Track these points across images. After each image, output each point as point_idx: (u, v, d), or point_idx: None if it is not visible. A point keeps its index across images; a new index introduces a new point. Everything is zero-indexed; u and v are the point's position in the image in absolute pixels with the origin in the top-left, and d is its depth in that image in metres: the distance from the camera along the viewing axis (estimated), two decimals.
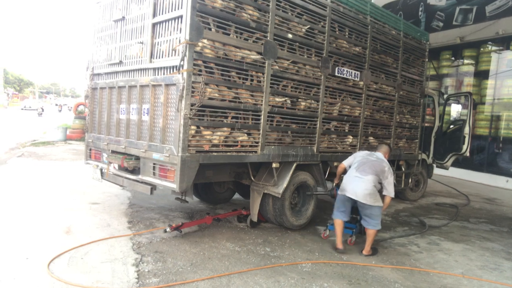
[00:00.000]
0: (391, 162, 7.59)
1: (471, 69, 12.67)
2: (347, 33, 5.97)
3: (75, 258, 3.99)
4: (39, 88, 74.10)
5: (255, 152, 4.85)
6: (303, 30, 5.24)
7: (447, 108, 10.12)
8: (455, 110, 12.66)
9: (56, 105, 49.19)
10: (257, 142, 4.85)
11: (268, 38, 4.78)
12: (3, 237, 4.43)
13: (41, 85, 78.46)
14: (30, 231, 4.70)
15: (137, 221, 5.35)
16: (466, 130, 8.34)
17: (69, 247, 4.20)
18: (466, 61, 12.87)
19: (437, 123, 8.80)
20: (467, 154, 8.53)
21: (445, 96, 10.05)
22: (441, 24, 12.93)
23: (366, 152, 5.13)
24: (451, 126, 9.23)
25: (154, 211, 5.93)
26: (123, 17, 5.07)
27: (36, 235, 4.58)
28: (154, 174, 4.54)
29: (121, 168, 5.04)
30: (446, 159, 8.75)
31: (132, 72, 4.96)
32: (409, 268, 4.43)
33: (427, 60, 8.02)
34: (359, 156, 5.05)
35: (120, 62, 5.13)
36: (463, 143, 8.37)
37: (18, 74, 64.19)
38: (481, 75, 12.19)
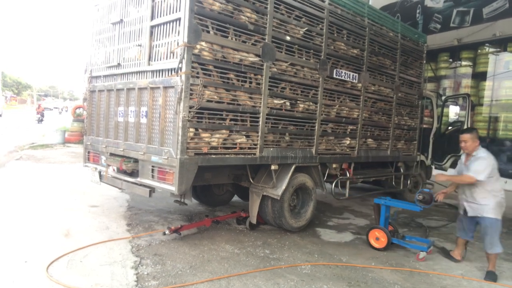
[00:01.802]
0: (390, 164, 7.64)
1: (469, 70, 12.70)
2: (345, 35, 5.99)
3: (74, 261, 3.97)
4: (37, 91, 73.97)
5: (254, 154, 4.84)
6: (301, 32, 5.25)
7: (445, 110, 10.13)
8: (453, 111, 12.69)
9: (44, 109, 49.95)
10: (255, 144, 4.85)
11: (266, 41, 4.79)
12: (2, 240, 4.41)
13: (39, 88, 78.30)
14: (28, 234, 4.68)
15: (136, 224, 5.34)
16: None
17: (68, 250, 4.19)
18: (463, 63, 12.91)
19: (435, 125, 8.82)
20: None
21: (443, 97, 10.08)
22: (438, 26, 12.97)
23: (489, 152, 4.43)
24: (450, 128, 9.25)
25: (153, 214, 5.92)
26: (121, 20, 5.07)
27: (35, 238, 4.56)
28: (152, 176, 4.54)
29: (119, 170, 5.03)
30: (445, 161, 8.76)
31: (131, 75, 4.96)
32: (408, 269, 4.43)
33: (424, 62, 8.05)
34: (496, 165, 4.40)
35: (119, 65, 5.13)
36: None
37: (16, 77, 64.03)
38: (479, 77, 12.23)
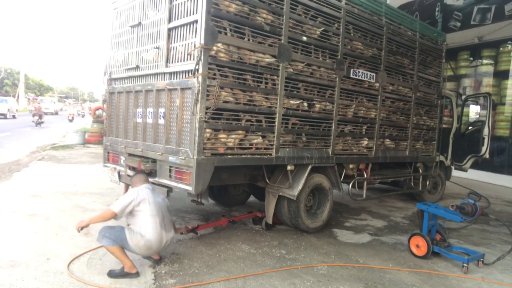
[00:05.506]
0: (409, 164, 7.52)
1: (490, 69, 12.42)
2: (362, 35, 5.94)
3: (94, 259, 4.07)
4: (59, 92, 75.68)
5: (270, 154, 4.86)
6: (318, 32, 5.24)
7: (465, 109, 9.93)
8: (474, 111, 12.43)
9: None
10: (272, 145, 4.86)
11: (282, 41, 4.79)
12: (24, 239, 4.55)
13: (60, 90, 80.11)
14: (50, 232, 4.80)
15: None
16: (486, 131, 8.18)
17: (88, 248, 4.29)
18: (485, 61, 12.63)
19: (455, 125, 8.66)
20: (487, 156, 8.36)
21: (463, 97, 9.89)
22: (458, 24, 12.72)
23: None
24: (470, 128, 9.07)
25: (170, 213, 5.98)
26: (140, 23, 5.16)
27: (55, 236, 4.68)
28: (170, 176, 4.60)
29: (138, 170, 5.11)
30: (465, 161, 8.60)
31: (149, 77, 5.04)
32: (427, 271, 4.36)
33: (444, 60, 7.91)
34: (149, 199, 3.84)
35: (137, 67, 5.22)
36: (483, 145, 8.21)
37: (38, 79, 65.66)
38: (501, 75, 11.95)
